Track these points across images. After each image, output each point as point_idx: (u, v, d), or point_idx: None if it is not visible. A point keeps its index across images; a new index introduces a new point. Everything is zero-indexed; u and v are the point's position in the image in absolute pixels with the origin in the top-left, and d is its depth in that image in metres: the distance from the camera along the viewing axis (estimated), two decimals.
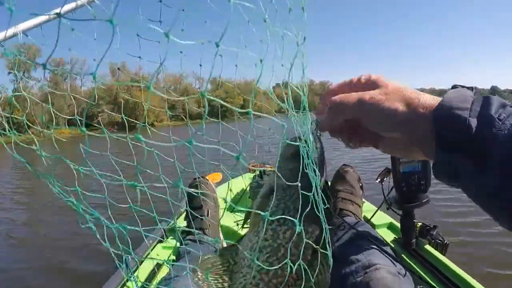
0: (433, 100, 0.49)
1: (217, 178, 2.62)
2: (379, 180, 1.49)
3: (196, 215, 1.60)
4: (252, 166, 2.91)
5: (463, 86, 0.52)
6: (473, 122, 0.44)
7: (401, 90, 0.52)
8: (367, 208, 1.96)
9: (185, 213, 1.78)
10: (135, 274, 1.42)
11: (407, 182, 1.37)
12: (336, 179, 1.68)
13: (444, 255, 1.41)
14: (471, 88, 0.50)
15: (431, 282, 1.25)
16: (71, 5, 0.53)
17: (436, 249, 1.44)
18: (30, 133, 0.65)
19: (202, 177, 1.79)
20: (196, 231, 1.59)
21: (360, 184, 1.71)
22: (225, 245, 1.57)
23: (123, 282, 1.38)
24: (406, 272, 1.09)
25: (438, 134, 0.46)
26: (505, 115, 0.43)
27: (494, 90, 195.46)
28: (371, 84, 0.57)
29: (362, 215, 1.68)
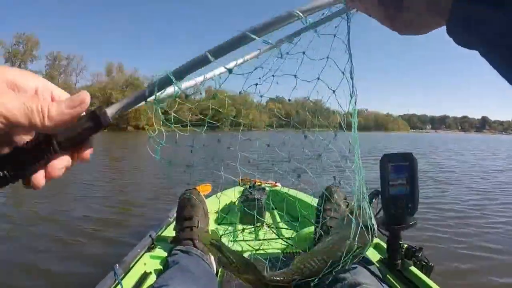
0: None
1: (207, 189, 2.63)
2: (367, 201, 1.52)
3: (186, 225, 1.62)
4: (243, 179, 2.94)
5: None
6: None
7: None
8: None
9: (174, 223, 1.79)
10: (122, 281, 1.42)
11: (395, 204, 1.41)
12: (323, 199, 1.71)
13: (428, 277, 1.43)
14: None
15: None
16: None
17: (421, 270, 1.46)
18: None
19: (193, 188, 1.81)
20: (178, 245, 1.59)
21: (347, 203, 1.73)
22: (212, 257, 1.58)
23: None
24: None
25: None
26: None
27: (484, 121, 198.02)
28: None
29: None
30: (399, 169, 1.41)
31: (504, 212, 5.66)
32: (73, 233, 4.27)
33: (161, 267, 1.61)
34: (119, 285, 1.40)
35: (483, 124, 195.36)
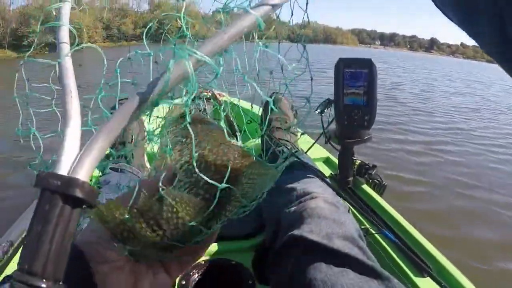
0: None
1: None
2: (319, 111, 1.36)
3: (118, 140, 1.43)
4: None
5: None
6: None
7: None
8: (304, 140, 1.86)
9: None
10: None
11: (350, 115, 1.25)
12: (268, 109, 1.55)
13: (381, 196, 1.35)
14: None
15: (365, 222, 1.19)
16: None
17: (373, 189, 1.38)
18: None
19: (124, 98, 1.59)
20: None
21: (294, 112, 1.59)
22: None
23: None
24: (346, 205, 1.01)
25: None
26: None
27: (433, 42, 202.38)
28: None
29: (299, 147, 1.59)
30: (356, 76, 1.23)
31: (456, 136, 5.79)
32: None
33: None
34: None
35: (432, 45, 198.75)
